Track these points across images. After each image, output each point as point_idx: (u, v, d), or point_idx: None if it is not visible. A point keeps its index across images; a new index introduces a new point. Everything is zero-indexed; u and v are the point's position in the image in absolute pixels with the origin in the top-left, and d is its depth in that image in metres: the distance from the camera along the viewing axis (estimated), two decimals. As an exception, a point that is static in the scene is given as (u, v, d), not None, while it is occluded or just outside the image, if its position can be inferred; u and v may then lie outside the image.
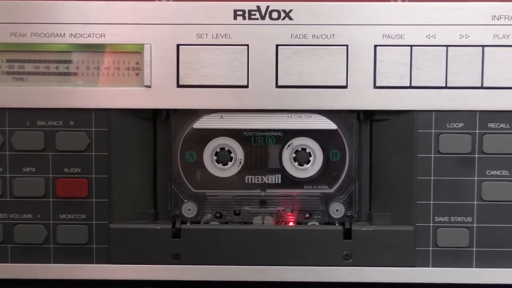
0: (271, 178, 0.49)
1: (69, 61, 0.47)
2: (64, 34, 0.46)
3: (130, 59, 0.47)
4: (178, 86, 0.46)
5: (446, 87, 0.46)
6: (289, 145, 0.49)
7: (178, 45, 0.46)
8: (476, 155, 0.46)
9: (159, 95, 0.46)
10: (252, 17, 0.46)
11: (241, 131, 0.49)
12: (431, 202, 0.47)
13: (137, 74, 0.47)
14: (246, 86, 0.46)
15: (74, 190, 0.47)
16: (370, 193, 0.50)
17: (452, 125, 0.46)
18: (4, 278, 0.47)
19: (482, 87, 0.46)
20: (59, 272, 0.47)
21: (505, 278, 0.47)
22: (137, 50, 0.46)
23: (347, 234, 0.47)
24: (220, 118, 0.48)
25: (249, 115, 0.48)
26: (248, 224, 0.48)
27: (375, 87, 0.46)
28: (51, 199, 0.47)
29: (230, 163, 0.49)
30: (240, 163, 0.50)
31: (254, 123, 0.49)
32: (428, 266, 0.47)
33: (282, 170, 0.49)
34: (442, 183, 0.47)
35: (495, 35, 0.45)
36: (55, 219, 0.47)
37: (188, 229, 0.47)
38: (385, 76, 0.46)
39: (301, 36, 0.46)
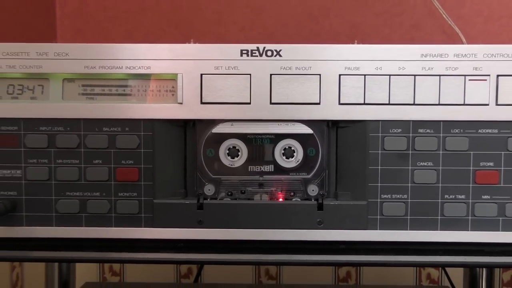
0: (267, 167, 0.53)
1: (126, 86, 0.52)
2: (122, 66, 0.51)
3: (168, 84, 0.51)
4: (202, 103, 0.51)
5: (389, 104, 0.51)
6: (279, 144, 0.53)
7: (201, 74, 0.51)
8: (410, 152, 0.51)
9: (188, 109, 0.51)
10: (253, 54, 0.51)
11: (245, 134, 0.53)
12: (379, 184, 0.51)
13: (172, 94, 0.51)
14: (249, 103, 0.51)
15: (129, 176, 0.52)
16: (336, 178, 0.53)
17: (393, 130, 0.51)
18: (80, 237, 0.53)
19: (414, 104, 0.51)
20: (118, 233, 0.52)
21: (429, 237, 0.52)
22: (173, 78, 0.51)
23: (320, 207, 0.51)
24: (231, 125, 0.52)
25: (251, 123, 0.52)
26: (250, 200, 0.53)
27: (340, 103, 0.51)
28: (112, 182, 0.52)
29: (238, 157, 0.53)
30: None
31: (255, 129, 0.53)
32: (377, 229, 0.52)
33: (274, 162, 0.53)
34: (387, 171, 0.51)
35: (423, 68, 0.50)
36: (115, 196, 0.52)
37: (208, 203, 0.52)
38: (346, 96, 0.51)
39: (287, 68, 0.51)
